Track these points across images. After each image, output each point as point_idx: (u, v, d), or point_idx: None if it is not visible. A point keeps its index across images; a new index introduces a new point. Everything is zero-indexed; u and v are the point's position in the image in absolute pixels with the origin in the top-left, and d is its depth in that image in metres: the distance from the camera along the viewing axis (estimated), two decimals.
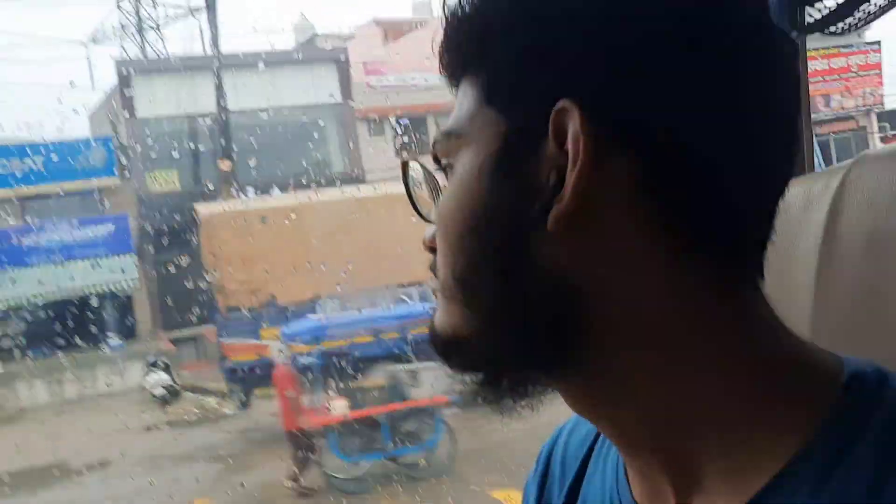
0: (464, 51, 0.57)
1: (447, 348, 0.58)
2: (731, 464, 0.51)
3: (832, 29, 1.13)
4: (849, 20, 1.11)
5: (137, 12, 17.75)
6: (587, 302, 0.52)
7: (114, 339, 12.87)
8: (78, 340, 12.30)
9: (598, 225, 0.51)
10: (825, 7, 1.10)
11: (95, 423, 9.36)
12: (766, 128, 0.53)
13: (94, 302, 12.93)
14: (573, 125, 0.50)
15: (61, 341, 11.91)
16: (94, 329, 12.94)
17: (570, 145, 0.50)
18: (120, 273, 13.25)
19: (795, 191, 0.79)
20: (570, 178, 0.50)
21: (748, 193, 0.53)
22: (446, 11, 0.58)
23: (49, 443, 8.71)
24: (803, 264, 0.80)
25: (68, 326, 12.13)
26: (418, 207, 0.64)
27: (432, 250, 0.60)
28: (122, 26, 18.08)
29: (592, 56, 0.51)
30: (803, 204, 0.81)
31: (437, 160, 0.60)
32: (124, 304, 13.90)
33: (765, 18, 0.55)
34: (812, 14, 1.10)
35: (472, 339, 0.56)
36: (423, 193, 0.64)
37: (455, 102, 0.60)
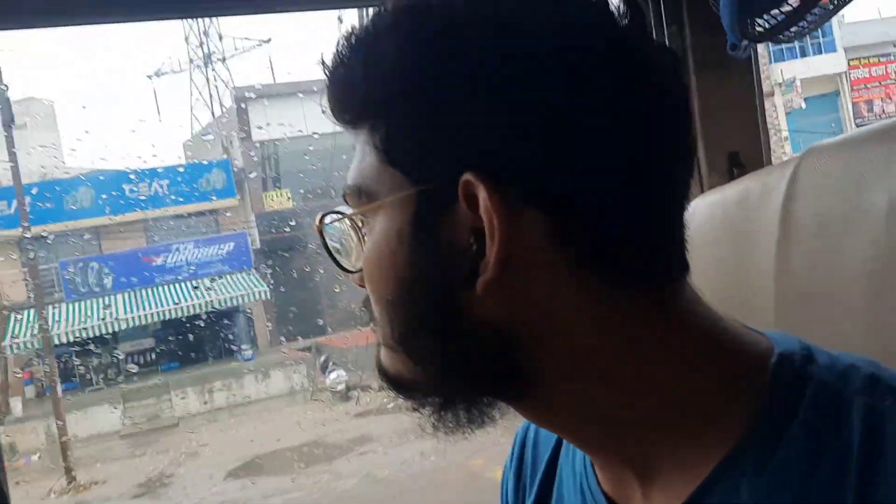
0: (356, 102, 0.57)
1: (398, 387, 0.60)
2: (682, 456, 0.55)
3: (781, 37, 1.16)
4: (794, 28, 1.14)
5: (202, 45, 18.44)
6: (524, 343, 0.54)
7: (247, 350, 13.41)
8: (210, 353, 12.91)
9: (521, 277, 0.53)
10: (773, 18, 1.13)
11: (294, 418, 9.80)
12: (659, 155, 0.55)
13: (221, 316, 13.51)
14: (483, 197, 0.51)
15: (195, 354, 12.52)
16: (223, 342, 13.53)
17: (483, 217, 0.52)
18: (242, 288, 13.81)
19: (754, 182, 0.88)
20: (490, 250, 0.52)
21: (650, 217, 0.55)
22: (328, 66, 0.58)
23: (272, 433, 9.30)
24: (764, 247, 0.83)
25: (200, 340, 12.75)
26: (340, 262, 0.63)
27: (363, 286, 0.61)
28: (191, 60, 18.80)
29: (488, 126, 0.52)
30: (760, 193, 0.85)
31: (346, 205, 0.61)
32: (246, 318, 14.44)
33: (649, 56, 0.55)
34: (762, 24, 1.14)
35: (421, 384, 0.58)
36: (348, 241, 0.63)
37: (355, 150, 0.60)
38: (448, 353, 0.56)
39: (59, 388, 11.19)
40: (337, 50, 0.58)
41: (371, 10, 0.58)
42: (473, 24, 0.53)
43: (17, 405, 12.15)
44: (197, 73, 18.86)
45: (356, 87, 0.56)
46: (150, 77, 18.86)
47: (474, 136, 0.52)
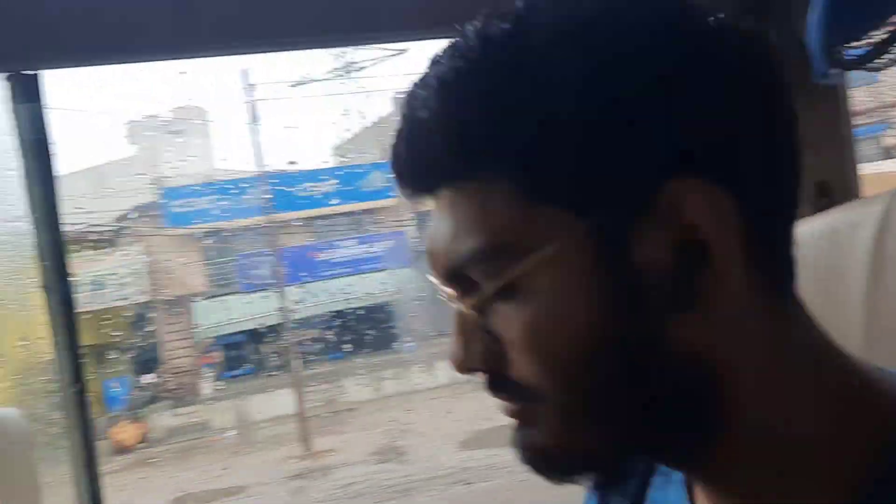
0: (473, 143, 0.48)
1: (567, 464, 0.52)
2: (815, 497, 0.49)
3: (871, 65, 1.10)
4: (886, 56, 1.08)
5: (342, 55, 19.24)
6: (722, 378, 0.48)
7: (408, 343, 14.04)
8: (373, 344, 13.60)
9: (728, 297, 0.47)
10: (866, 45, 1.07)
11: (476, 404, 10.34)
12: (796, 165, 0.51)
13: (381, 310, 14.22)
14: (696, 206, 0.46)
15: (359, 345, 13.22)
16: (385, 334, 14.22)
17: (705, 228, 0.46)
18: (401, 283, 14.46)
19: (843, 215, 0.85)
20: (712, 265, 0.46)
21: (793, 227, 0.51)
22: (410, 112, 0.51)
23: (467, 415, 9.95)
24: (853, 281, 0.80)
25: (362, 332, 13.45)
26: (470, 347, 0.52)
27: (475, 370, 0.53)
28: (333, 69, 19.64)
29: (681, 126, 0.46)
30: (850, 226, 0.81)
31: (457, 280, 0.51)
32: (406, 311, 15.11)
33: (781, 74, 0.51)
34: (851, 52, 1.09)
35: (603, 450, 0.51)
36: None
37: (449, 211, 0.50)
38: (646, 402, 0.49)
39: (231, 373, 12.08)
40: (433, 83, 0.50)
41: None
42: (646, 25, 0.48)
43: (206, 386, 13.15)
44: (337, 83, 19.75)
45: (479, 123, 0.48)
46: (292, 86, 19.83)
47: (677, 140, 0.46)
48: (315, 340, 14.22)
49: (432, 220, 0.52)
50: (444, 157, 0.49)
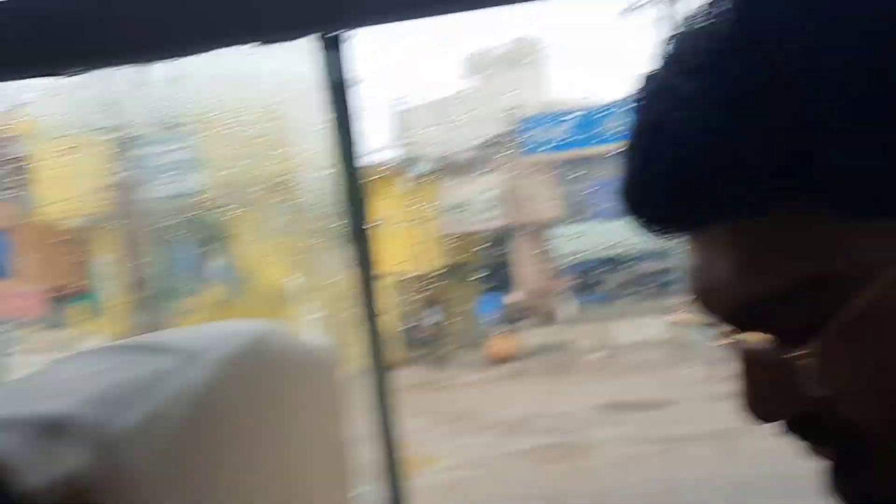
0: (776, 177, 0.40)
1: None
2: None
3: None
4: None
5: None
6: None
7: None
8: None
9: None
10: None
11: None
12: None
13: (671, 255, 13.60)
14: None
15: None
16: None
17: None
18: None
19: None
20: None
21: None
22: (674, 128, 0.42)
23: None
24: None
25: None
26: (777, 391, 0.46)
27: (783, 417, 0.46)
28: None
29: None
30: None
31: (751, 321, 0.45)
32: None
33: None
34: None
35: None
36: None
37: (729, 243, 0.43)
38: None
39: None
40: (717, 93, 0.42)
41: None
42: None
43: (563, 309, 13.68)
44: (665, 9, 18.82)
45: (804, 139, 0.41)
46: (622, 14, 19.36)
47: None
48: (661, 272, 14.03)
49: (697, 256, 0.47)
50: (746, 185, 0.42)
